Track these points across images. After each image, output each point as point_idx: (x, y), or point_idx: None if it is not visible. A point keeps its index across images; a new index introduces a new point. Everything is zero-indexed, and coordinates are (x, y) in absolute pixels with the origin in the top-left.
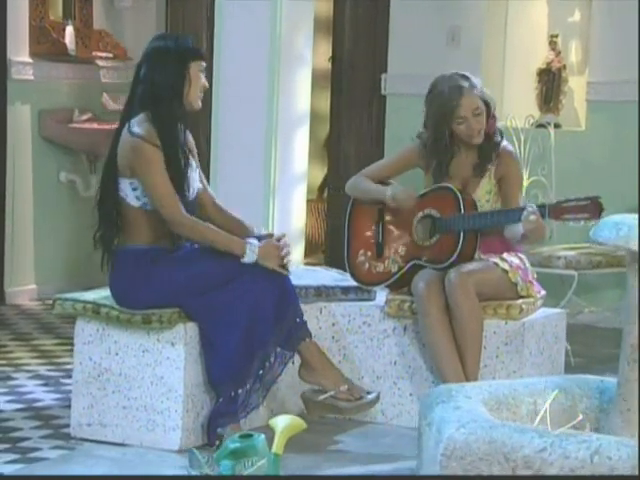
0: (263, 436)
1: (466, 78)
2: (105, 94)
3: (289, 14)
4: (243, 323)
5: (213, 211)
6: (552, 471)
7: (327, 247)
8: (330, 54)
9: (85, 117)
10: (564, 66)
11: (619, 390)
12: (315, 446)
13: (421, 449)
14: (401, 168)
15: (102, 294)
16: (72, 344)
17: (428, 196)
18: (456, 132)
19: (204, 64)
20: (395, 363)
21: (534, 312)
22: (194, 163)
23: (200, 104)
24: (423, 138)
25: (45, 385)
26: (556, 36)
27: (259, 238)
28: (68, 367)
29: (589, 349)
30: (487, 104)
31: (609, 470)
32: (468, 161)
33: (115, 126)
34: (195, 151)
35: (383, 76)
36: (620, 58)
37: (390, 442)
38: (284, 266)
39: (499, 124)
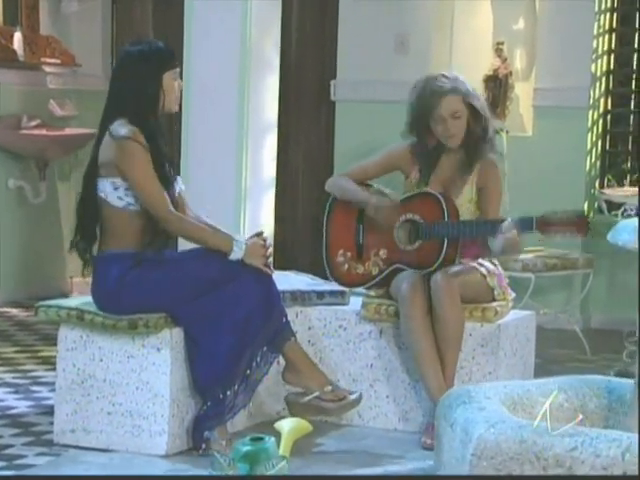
0: (273, 439)
1: (451, 80)
2: (52, 100)
3: (258, 19)
4: (234, 328)
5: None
6: (584, 469)
7: (275, 252)
8: None
9: (34, 123)
10: (510, 73)
11: (638, 390)
12: (297, 449)
13: (441, 449)
14: (387, 168)
15: (85, 300)
16: (31, 351)
17: (411, 201)
18: (434, 132)
19: (177, 69)
20: (371, 366)
21: (507, 314)
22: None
23: (177, 107)
24: (410, 138)
25: (15, 393)
26: (502, 43)
27: None
28: (34, 374)
29: (544, 350)
30: (474, 108)
31: None
32: (452, 166)
33: (64, 132)
34: None
35: (332, 82)
36: (565, 64)
37: (371, 443)
38: (268, 266)
39: None
